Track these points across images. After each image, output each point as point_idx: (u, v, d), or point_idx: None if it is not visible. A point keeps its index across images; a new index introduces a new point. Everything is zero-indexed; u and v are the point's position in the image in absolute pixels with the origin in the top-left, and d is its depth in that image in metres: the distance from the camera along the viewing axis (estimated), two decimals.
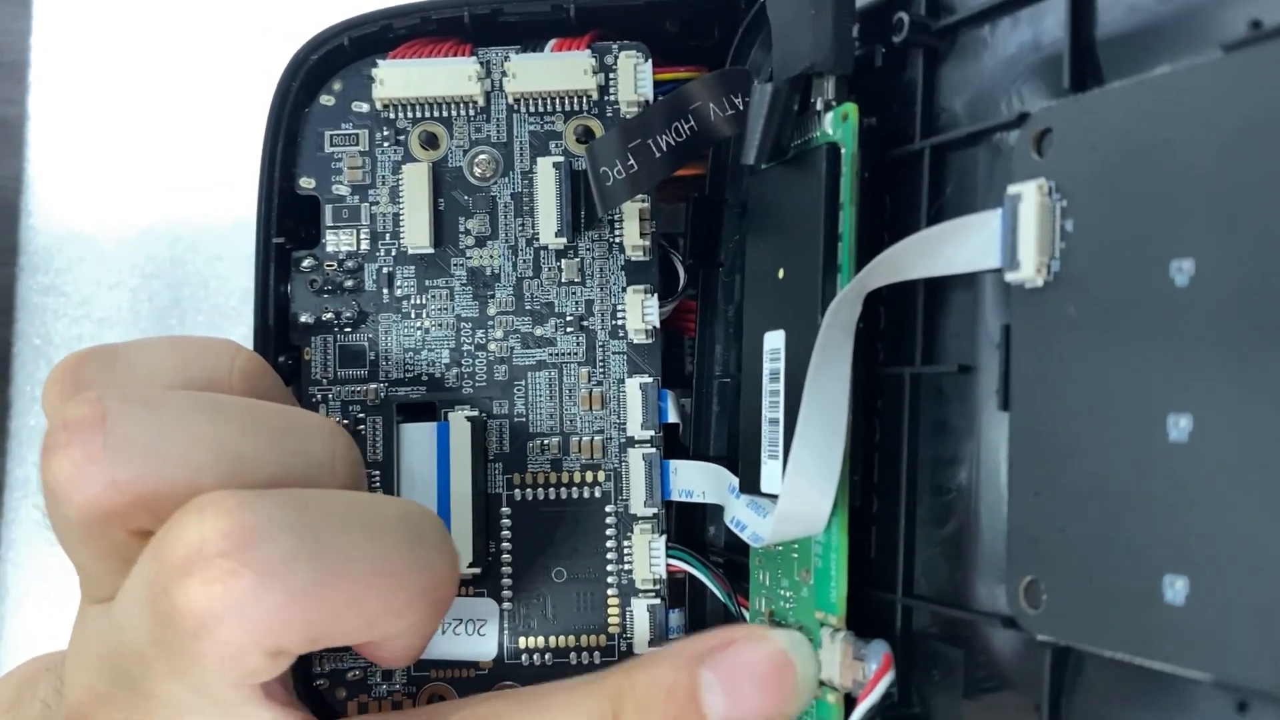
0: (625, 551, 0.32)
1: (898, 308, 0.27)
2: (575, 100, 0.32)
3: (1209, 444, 0.18)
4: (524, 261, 0.33)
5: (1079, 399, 0.21)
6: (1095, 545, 0.20)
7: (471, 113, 0.33)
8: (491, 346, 0.33)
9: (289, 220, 0.33)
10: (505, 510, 0.32)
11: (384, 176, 0.33)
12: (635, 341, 0.32)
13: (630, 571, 0.32)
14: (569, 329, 0.33)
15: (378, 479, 0.32)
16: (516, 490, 0.32)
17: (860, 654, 0.25)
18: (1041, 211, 0.21)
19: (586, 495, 0.32)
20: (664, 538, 0.32)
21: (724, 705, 0.24)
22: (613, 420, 0.32)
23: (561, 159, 0.32)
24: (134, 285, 0.49)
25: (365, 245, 0.33)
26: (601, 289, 0.33)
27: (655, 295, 0.32)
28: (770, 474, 0.28)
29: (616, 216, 0.32)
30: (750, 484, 0.29)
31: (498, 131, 0.33)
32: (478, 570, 0.32)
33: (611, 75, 0.32)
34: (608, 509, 0.32)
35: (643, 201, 0.32)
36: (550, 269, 0.33)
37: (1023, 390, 0.22)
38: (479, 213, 0.33)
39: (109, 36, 0.48)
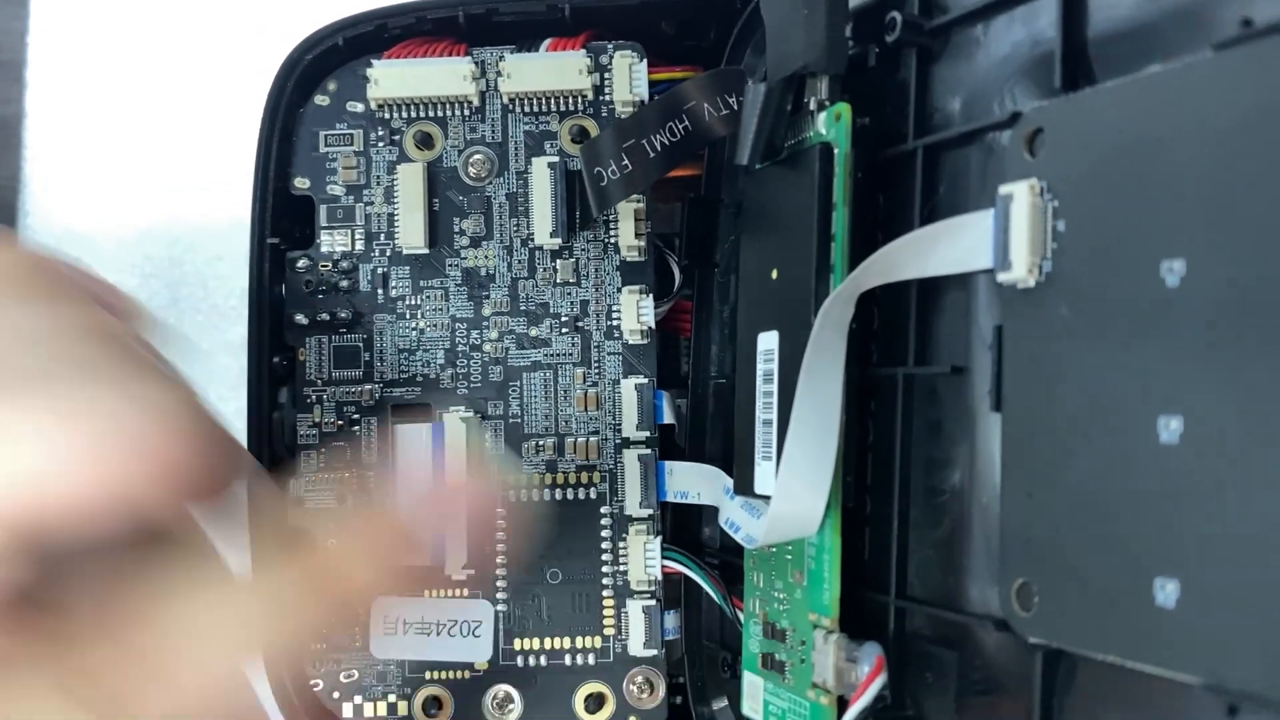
0: (620, 553, 0.32)
1: (891, 308, 0.27)
2: (570, 100, 0.32)
3: (1200, 446, 0.18)
4: (519, 262, 0.33)
5: (1071, 400, 0.20)
6: (1087, 548, 0.20)
7: (466, 113, 0.33)
8: (486, 347, 0.33)
9: (284, 220, 0.33)
10: (500, 511, 0.32)
11: (379, 176, 0.33)
12: (630, 342, 0.32)
13: (625, 573, 0.32)
14: (564, 330, 0.33)
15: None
16: (511, 491, 0.32)
17: (853, 656, 0.25)
18: (1033, 212, 0.21)
19: (582, 496, 0.32)
20: (659, 539, 0.32)
21: None
22: (608, 421, 0.32)
23: (556, 159, 0.32)
24: (132, 285, 0.49)
25: (360, 245, 0.33)
26: (596, 289, 0.33)
27: (650, 296, 0.32)
28: (763, 475, 0.28)
29: (611, 217, 0.32)
30: (744, 485, 0.29)
31: (492, 131, 0.33)
32: (472, 571, 0.32)
33: (606, 75, 0.32)
34: (603, 510, 0.32)
35: (638, 202, 0.32)
36: (545, 269, 0.33)
37: (1015, 391, 0.22)
38: (474, 213, 0.33)
39: (106, 36, 0.48)
